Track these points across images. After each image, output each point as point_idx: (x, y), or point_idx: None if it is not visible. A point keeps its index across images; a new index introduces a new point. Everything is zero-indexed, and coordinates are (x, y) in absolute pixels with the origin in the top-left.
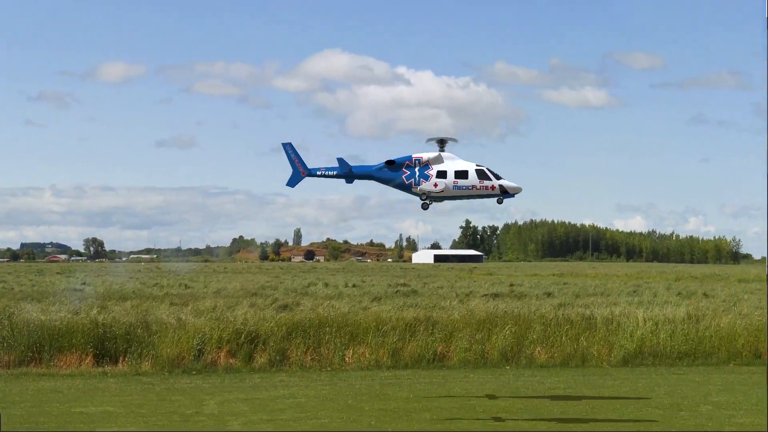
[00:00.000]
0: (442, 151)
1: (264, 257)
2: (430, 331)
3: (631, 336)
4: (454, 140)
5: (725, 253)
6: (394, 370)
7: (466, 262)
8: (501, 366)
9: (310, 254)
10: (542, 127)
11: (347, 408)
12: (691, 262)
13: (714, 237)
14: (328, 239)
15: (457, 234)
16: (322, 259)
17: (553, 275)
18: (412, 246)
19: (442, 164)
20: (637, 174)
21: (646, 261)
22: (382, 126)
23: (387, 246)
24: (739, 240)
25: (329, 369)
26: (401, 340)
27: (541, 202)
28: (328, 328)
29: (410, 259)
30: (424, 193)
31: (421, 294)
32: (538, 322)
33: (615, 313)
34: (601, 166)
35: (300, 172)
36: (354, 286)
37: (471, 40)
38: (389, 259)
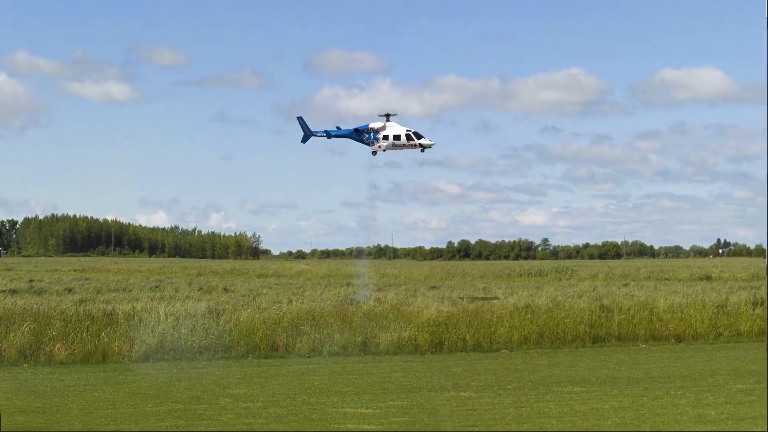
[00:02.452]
0: (388, 121)
1: None
2: None
3: (152, 331)
4: (395, 114)
5: (246, 249)
6: None
7: None
8: (19, 364)
9: None
10: (64, 120)
11: None
12: (213, 257)
13: (235, 233)
14: None
15: None
16: None
17: (75, 270)
18: None
19: (386, 131)
20: (161, 170)
21: (169, 256)
22: None
23: None
24: (259, 236)
25: None
26: None
27: (62, 197)
28: None
29: None
30: (373, 150)
31: None
32: (58, 318)
33: (137, 308)
34: (125, 161)
35: (308, 133)
36: None
37: None
38: None
